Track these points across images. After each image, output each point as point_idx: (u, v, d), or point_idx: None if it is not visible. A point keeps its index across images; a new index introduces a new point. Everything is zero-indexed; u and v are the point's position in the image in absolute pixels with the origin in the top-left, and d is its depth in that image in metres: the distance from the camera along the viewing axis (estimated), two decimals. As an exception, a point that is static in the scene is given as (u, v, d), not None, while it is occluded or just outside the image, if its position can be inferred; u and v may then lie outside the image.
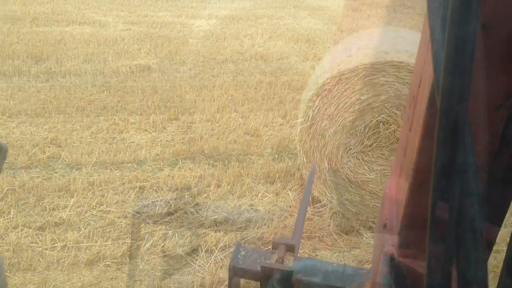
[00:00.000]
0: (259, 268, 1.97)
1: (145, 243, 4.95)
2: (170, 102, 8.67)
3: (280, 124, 8.06)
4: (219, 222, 5.29)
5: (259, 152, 7.06)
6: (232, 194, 5.92)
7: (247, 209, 5.63)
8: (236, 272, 2.05)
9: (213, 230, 5.15)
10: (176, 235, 5.04)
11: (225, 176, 6.25)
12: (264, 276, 1.93)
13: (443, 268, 0.59)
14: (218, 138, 7.38)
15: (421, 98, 0.84)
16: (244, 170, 6.48)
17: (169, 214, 5.42)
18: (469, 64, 0.55)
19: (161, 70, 10.47)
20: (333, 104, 5.14)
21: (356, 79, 5.02)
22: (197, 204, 5.64)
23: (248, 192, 5.95)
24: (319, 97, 5.14)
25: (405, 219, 0.92)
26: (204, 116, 8.14)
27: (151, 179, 6.14)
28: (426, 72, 0.73)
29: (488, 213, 0.81)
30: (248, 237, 5.05)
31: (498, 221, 0.75)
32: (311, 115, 5.16)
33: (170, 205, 5.55)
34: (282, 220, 5.39)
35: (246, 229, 5.22)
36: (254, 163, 6.74)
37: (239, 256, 2.14)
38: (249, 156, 6.94)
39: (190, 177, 6.17)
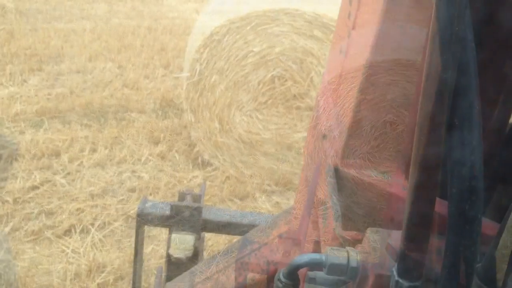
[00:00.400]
0: (168, 212, 2.13)
1: (4, 227, 4.10)
2: (32, 50, 7.43)
3: (163, 75, 7.30)
4: (96, 195, 4.58)
5: (140, 108, 6.30)
6: (111, 160, 5.18)
7: (129, 177, 4.95)
8: (144, 218, 2.13)
9: (89, 205, 4.43)
10: (43, 214, 4.25)
11: (101, 138, 5.46)
12: (174, 216, 2.09)
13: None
14: (91, 92, 6.45)
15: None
16: (123, 130, 5.72)
17: (34, 188, 4.56)
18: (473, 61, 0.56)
19: (19, 10, 8.95)
20: (223, 57, 4.56)
21: (248, 28, 4.46)
22: (68, 173, 4.84)
23: (130, 156, 5.25)
24: (207, 49, 4.52)
25: (352, 125, 0.87)
26: (74, 66, 7.09)
27: (9, 145, 5.15)
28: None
29: (492, 211, 0.77)
30: (131, 211, 4.42)
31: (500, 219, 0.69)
32: (198, 69, 4.54)
33: (35, 177, 4.68)
34: (170, 188, 4.82)
35: (128, 201, 4.58)
36: (135, 121, 5.99)
37: (146, 205, 2.24)
38: (128, 113, 6.16)
39: (59, 141, 5.28)
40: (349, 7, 0.96)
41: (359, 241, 0.80)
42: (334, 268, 0.75)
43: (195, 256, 2.14)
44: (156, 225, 2.32)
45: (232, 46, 4.51)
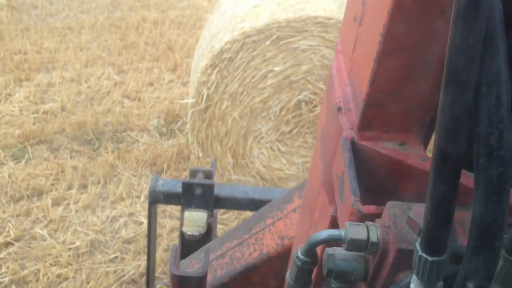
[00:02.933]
0: (179, 190, 2.15)
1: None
2: (21, 54, 6.54)
3: (169, 81, 6.36)
4: (83, 253, 3.72)
5: (141, 126, 5.39)
6: (103, 199, 4.30)
7: (125, 223, 4.08)
8: (156, 197, 2.18)
9: (73, 269, 3.57)
10: (14, 286, 3.41)
11: (93, 170, 4.58)
12: (186, 194, 2.08)
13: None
14: (85, 108, 5.56)
15: None
16: (120, 156, 4.83)
17: (7, 245, 3.72)
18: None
19: (11, 5, 8.04)
20: (237, 78, 3.60)
21: (267, 43, 3.49)
22: (51, 221, 3.98)
23: (127, 194, 4.37)
24: (216, 69, 3.57)
25: (369, 96, 0.83)
26: (68, 74, 6.19)
27: (-16, 183, 4.30)
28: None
29: None
30: (126, 276, 3.56)
31: None
32: (205, 93, 3.59)
33: (9, 229, 3.84)
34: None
35: (123, 260, 3.71)
36: (134, 144, 5.09)
37: (157, 183, 2.25)
38: (128, 132, 5.26)
39: (43, 176, 4.42)
40: None
41: (379, 215, 0.76)
42: (353, 243, 0.73)
43: (208, 233, 2.12)
44: (168, 203, 2.39)
45: (248, 65, 3.55)
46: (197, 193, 2.13)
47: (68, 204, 4.17)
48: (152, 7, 8.72)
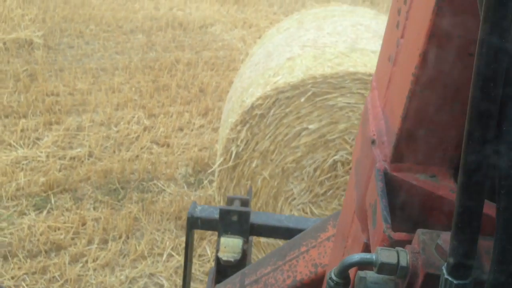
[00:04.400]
0: (217, 216, 2.19)
1: None
2: (53, 96, 6.50)
3: (200, 127, 6.18)
4: (98, 319, 3.46)
5: (169, 175, 5.18)
6: (124, 257, 4.06)
7: (145, 285, 3.81)
8: (194, 222, 2.24)
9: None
10: None
11: (116, 223, 4.36)
12: (223, 220, 2.14)
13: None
14: (113, 154, 5.41)
15: None
16: (145, 208, 4.61)
17: (20, 307, 3.51)
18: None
19: (48, 45, 8.13)
20: (268, 136, 3.35)
21: (302, 99, 3.24)
22: (66, 281, 3.75)
23: (148, 251, 4.12)
24: (247, 126, 3.33)
25: (402, 131, 0.90)
26: (98, 117, 6.09)
27: (1, 235, 4.13)
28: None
29: None
30: None
31: None
32: (234, 151, 3.34)
33: (24, 289, 3.62)
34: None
35: (139, 330, 3.43)
36: (160, 194, 4.87)
37: (196, 209, 2.31)
38: (154, 181, 5.05)
39: (63, 230, 4.23)
40: (398, 16, 0.98)
41: (409, 242, 0.79)
42: (384, 267, 0.77)
43: (243, 259, 2.14)
44: (205, 229, 2.41)
45: (280, 122, 3.31)
46: (234, 220, 2.18)
47: (87, 261, 3.95)
48: (186, 47, 8.67)
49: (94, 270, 3.87)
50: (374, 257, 0.78)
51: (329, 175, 3.49)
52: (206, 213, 2.29)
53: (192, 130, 6.07)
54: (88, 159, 5.25)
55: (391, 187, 0.90)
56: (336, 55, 3.31)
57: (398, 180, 0.91)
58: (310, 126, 3.32)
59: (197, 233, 4.11)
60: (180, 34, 9.34)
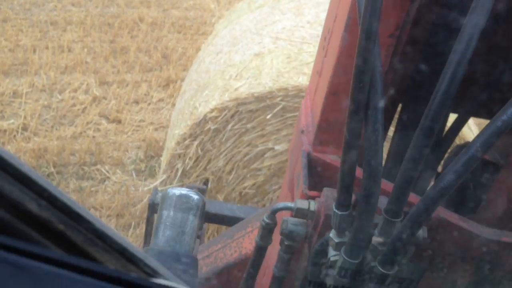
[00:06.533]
0: None
1: None
2: (-10, 52, 5.62)
3: (159, 100, 5.44)
4: None
5: (116, 158, 4.49)
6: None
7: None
8: (154, 208, 2.22)
9: None
10: None
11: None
12: None
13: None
14: (52, 128, 4.66)
15: (336, 31, 1.15)
16: (82, 201, 3.94)
17: None
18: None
19: (-7, -10, 7.11)
20: (223, 155, 2.69)
21: (268, 115, 2.58)
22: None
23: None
24: (197, 141, 2.65)
25: (321, 123, 1.24)
26: (40, 81, 5.28)
27: None
28: (341, 8, 1.10)
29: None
30: None
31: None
32: (180, 169, 2.68)
33: None
34: None
35: None
36: (103, 183, 4.20)
37: (157, 196, 2.31)
38: (98, 166, 4.36)
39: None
40: (324, 42, 1.32)
41: (319, 197, 1.15)
42: (299, 211, 1.13)
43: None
44: None
45: (240, 139, 2.66)
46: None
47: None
48: (153, 4, 7.76)
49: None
50: (293, 205, 1.14)
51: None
52: None
53: (149, 104, 5.33)
54: (21, 134, 4.50)
55: (311, 163, 1.26)
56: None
57: (316, 158, 1.27)
58: (277, 147, 2.67)
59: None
60: (148, -13, 8.38)
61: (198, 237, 2.16)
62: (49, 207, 0.47)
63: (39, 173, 0.60)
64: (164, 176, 2.74)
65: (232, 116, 2.54)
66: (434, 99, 0.87)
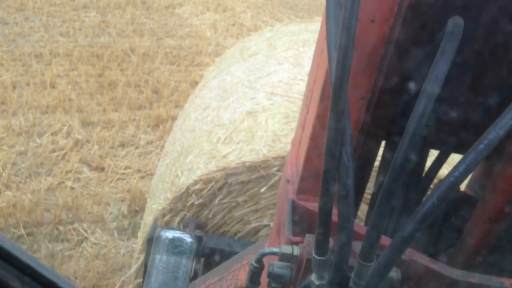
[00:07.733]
0: None
1: None
2: (-34, 90, 5.20)
3: (147, 143, 4.99)
4: None
5: (96, 214, 4.02)
6: None
7: None
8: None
9: None
10: None
11: (7, 296, 3.20)
12: None
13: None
14: (27, 179, 4.20)
15: (316, 91, 1.24)
16: (55, 269, 3.46)
17: None
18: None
19: (-24, 20, 6.74)
20: (210, 231, 2.23)
21: (263, 188, 2.12)
22: None
23: None
24: (179, 216, 2.19)
25: (303, 174, 1.31)
26: (17, 124, 4.84)
27: None
28: (320, 72, 1.19)
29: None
30: None
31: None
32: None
33: None
34: None
35: None
36: (80, 246, 3.73)
37: (155, 231, 2.28)
38: (75, 225, 3.89)
39: None
40: (306, 100, 1.41)
41: (302, 242, 1.22)
42: (284, 256, 1.19)
43: (194, 278, 2.16)
44: None
45: (229, 215, 2.20)
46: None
47: None
48: (146, 33, 7.37)
49: None
50: (278, 250, 1.19)
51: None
52: None
53: (136, 147, 4.88)
54: (-10, 187, 4.04)
55: (296, 210, 1.33)
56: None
57: (300, 206, 1.33)
58: (273, 224, 2.20)
59: None
60: (141, 15, 8.01)
61: (196, 273, 2.22)
62: (33, 283, 0.50)
63: (22, 248, 0.60)
64: (141, 260, 2.27)
65: (220, 188, 2.09)
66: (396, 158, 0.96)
